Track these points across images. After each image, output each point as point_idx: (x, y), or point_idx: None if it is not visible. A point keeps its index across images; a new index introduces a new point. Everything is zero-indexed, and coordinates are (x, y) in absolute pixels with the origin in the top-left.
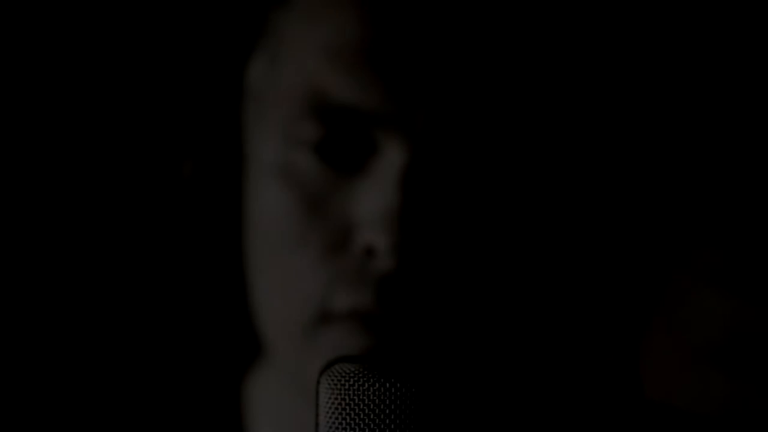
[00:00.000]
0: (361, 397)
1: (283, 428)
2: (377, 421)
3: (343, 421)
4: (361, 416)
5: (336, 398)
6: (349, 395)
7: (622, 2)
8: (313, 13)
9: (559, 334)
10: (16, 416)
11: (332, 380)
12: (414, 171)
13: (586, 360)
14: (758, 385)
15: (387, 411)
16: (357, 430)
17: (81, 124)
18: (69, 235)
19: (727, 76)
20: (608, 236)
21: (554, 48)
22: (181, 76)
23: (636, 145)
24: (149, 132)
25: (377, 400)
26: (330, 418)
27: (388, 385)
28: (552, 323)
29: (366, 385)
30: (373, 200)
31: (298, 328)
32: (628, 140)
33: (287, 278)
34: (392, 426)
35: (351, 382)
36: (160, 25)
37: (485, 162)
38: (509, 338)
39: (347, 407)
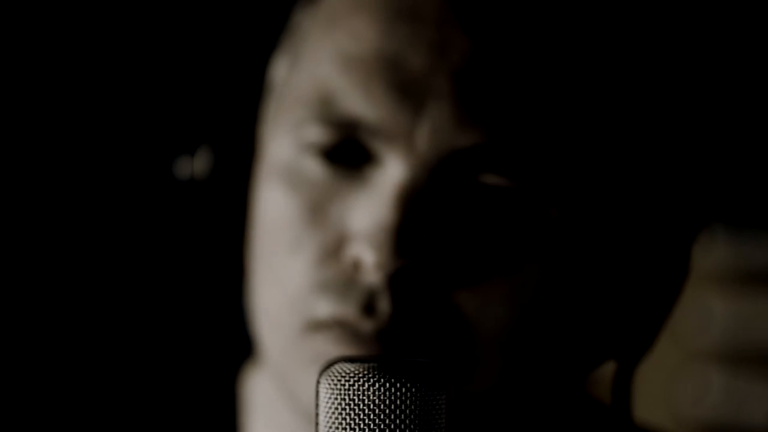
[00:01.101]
0: (360, 397)
1: (274, 429)
2: (377, 421)
3: (343, 421)
4: (361, 416)
5: (336, 398)
6: (348, 395)
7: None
8: (334, 19)
9: (549, 354)
10: (13, 415)
11: (332, 380)
12: (410, 189)
13: (570, 378)
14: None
15: (386, 411)
16: (357, 430)
17: (90, 121)
18: (73, 232)
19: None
20: (610, 256)
21: (563, 69)
22: (204, 72)
23: (643, 151)
24: (162, 128)
25: (377, 401)
26: (330, 418)
27: (387, 385)
28: (544, 346)
29: (366, 385)
30: (366, 213)
31: (287, 331)
32: (634, 151)
33: (280, 281)
34: (392, 426)
35: (351, 382)
36: (184, 19)
37: (484, 185)
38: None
39: (347, 407)
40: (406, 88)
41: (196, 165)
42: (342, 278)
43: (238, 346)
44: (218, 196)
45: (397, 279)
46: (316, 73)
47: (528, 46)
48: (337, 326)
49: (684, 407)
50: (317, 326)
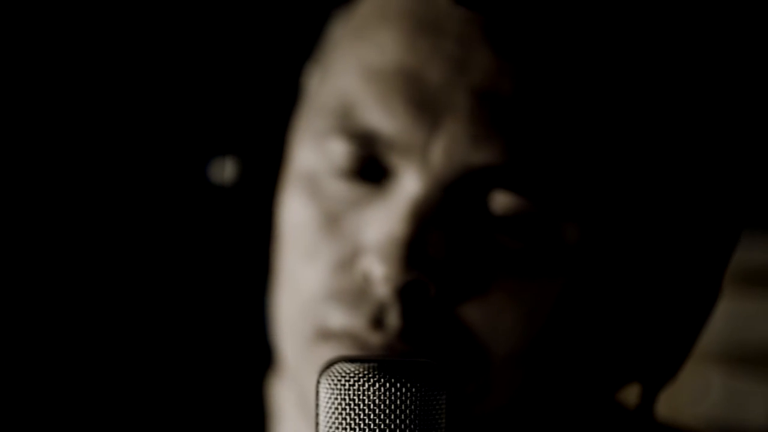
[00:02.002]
0: (360, 397)
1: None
2: (377, 421)
3: (343, 421)
4: (361, 416)
5: (335, 398)
6: (348, 395)
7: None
8: (360, 31)
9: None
10: (29, 418)
11: (332, 380)
12: (423, 204)
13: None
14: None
15: (387, 411)
16: (357, 430)
17: (127, 124)
18: (102, 234)
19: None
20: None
21: (582, 92)
22: (242, 79)
23: (670, 169)
24: (194, 132)
25: (377, 401)
26: (329, 418)
27: (387, 385)
28: (553, 362)
29: (366, 385)
30: (379, 227)
31: (299, 338)
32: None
33: (296, 288)
34: (392, 426)
35: (351, 382)
36: (217, 24)
37: (498, 202)
38: (506, 380)
39: (347, 407)
40: (423, 103)
41: (228, 169)
42: (353, 290)
43: (266, 353)
44: (249, 202)
45: (406, 293)
46: (339, 84)
47: (548, 67)
48: (347, 338)
49: (684, 407)
50: (328, 336)
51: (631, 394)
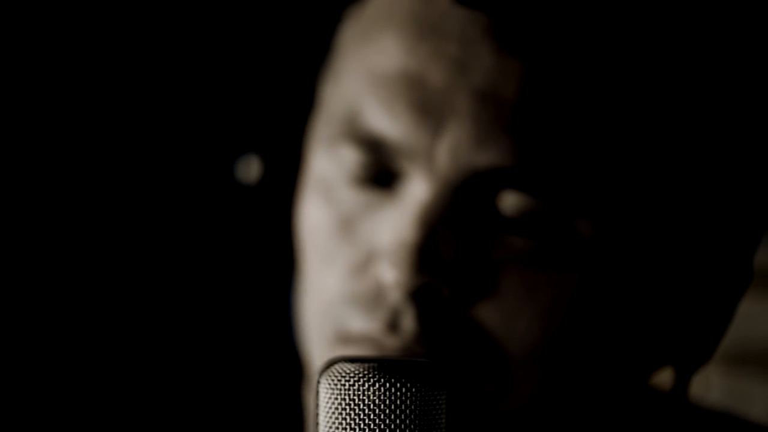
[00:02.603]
0: (360, 397)
1: None
2: (377, 421)
3: (343, 421)
4: (361, 416)
5: (335, 398)
6: (348, 395)
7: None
8: (364, 37)
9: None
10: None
11: (332, 380)
12: (432, 207)
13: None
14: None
15: (387, 411)
16: (357, 430)
17: (156, 126)
18: (131, 238)
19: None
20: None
21: (586, 90)
22: (256, 84)
23: (690, 154)
24: (222, 136)
25: (377, 401)
26: (330, 417)
27: (387, 385)
28: (582, 354)
29: (366, 385)
30: (389, 232)
31: (321, 341)
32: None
33: (316, 291)
34: (392, 426)
35: (351, 383)
36: (241, 30)
37: (507, 202)
38: (534, 376)
39: (347, 407)
40: (427, 106)
41: (253, 169)
42: (370, 294)
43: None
44: (276, 202)
45: (419, 296)
46: (346, 90)
47: (551, 65)
48: (366, 341)
49: None
50: (347, 339)
51: (664, 379)
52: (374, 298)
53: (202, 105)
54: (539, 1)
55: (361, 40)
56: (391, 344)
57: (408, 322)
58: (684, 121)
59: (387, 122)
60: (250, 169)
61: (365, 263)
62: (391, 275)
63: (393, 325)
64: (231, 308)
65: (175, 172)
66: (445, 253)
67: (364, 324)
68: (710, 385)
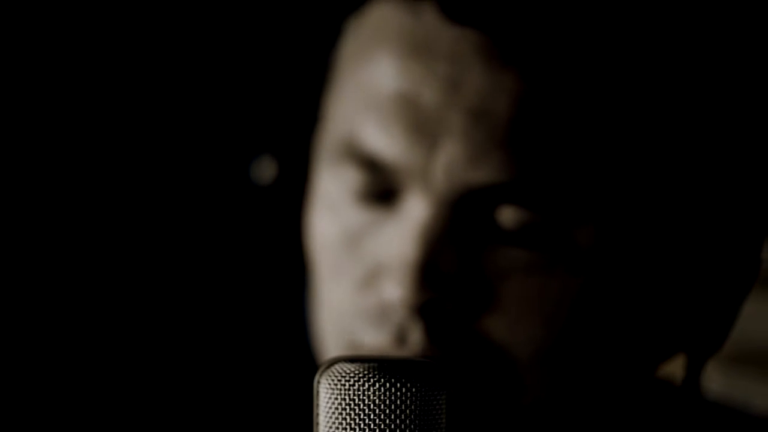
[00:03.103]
0: (360, 397)
1: None
2: (377, 421)
3: (343, 422)
4: (361, 416)
5: (335, 398)
6: (348, 395)
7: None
8: (357, 57)
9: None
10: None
11: (332, 380)
12: (431, 225)
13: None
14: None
15: (387, 411)
16: (357, 430)
17: (176, 130)
18: (150, 240)
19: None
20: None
21: (577, 103)
22: (265, 93)
23: (686, 179)
24: (235, 142)
25: (377, 401)
26: (329, 418)
27: (387, 385)
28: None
29: (366, 385)
30: (392, 249)
31: (334, 351)
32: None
33: (329, 304)
34: (392, 426)
35: (351, 383)
36: (252, 44)
37: (505, 216)
38: (544, 382)
39: (347, 407)
40: (421, 125)
41: (268, 170)
42: (377, 308)
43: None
44: (289, 204)
45: (425, 311)
46: (343, 111)
47: (541, 81)
48: (375, 353)
49: None
50: (359, 350)
51: (675, 372)
52: (381, 313)
53: (215, 107)
54: (528, 17)
55: (357, 59)
56: (401, 354)
57: (415, 336)
58: (682, 121)
59: (383, 142)
60: (265, 171)
61: (372, 278)
62: (395, 293)
63: (401, 338)
64: (247, 310)
65: (194, 176)
66: (447, 268)
67: (372, 337)
68: (710, 385)
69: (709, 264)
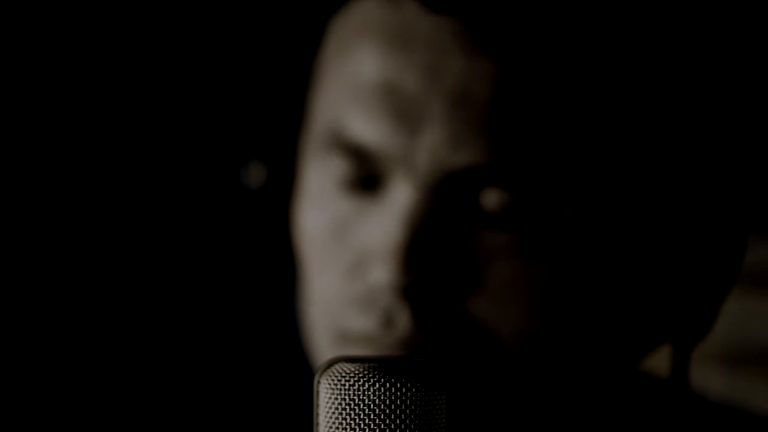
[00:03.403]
0: (360, 397)
1: None
2: (377, 421)
3: (343, 421)
4: (361, 416)
5: (335, 398)
6: (348, 395)
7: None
8: (341, 49)
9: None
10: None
11: (332, 380)
12: (415, 209)
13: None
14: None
15: (387, 411)
16: (357, 430)
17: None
18: (136, 240)
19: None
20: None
21: (555, 84)
22: (250, 95)
23: (664, 161)
24: (222, 144)
25: (377, 400)
26: (329, 418)
27: (388, 385)
28: (576, 337)
29: (366, 385)
30: (378, 234)
31: (322, 342)
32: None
33: (317, 296)
34: (392, 426)
35: (351, 383)
36: (233, 45)
37: (488, 200)
38: (529, 361)
39: (347, 407)
40: (403, 112)
41: (256, 174)
42: (365, 295)
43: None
44: (279, 206)
45: (411, 294)
46: (327, 102)
47: (519, 65)
48: (364, 339)
49: None
50: (347, 338)
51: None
52: (369, 299)
53: (203, 110)
54: (504, 4)
55: (340, 52)
56: (389, 340)
57: (402, 319)
58: (662, 105)
59: (367, 130)
60: (255, 174)
61: (359, 266)
62: (382, 276)
63: (388, 322)
64: (241, 311)
65: (184, 178)
66: (432, 251)
67: (361, 323)
68: (710, 385)
69: (693, 252)
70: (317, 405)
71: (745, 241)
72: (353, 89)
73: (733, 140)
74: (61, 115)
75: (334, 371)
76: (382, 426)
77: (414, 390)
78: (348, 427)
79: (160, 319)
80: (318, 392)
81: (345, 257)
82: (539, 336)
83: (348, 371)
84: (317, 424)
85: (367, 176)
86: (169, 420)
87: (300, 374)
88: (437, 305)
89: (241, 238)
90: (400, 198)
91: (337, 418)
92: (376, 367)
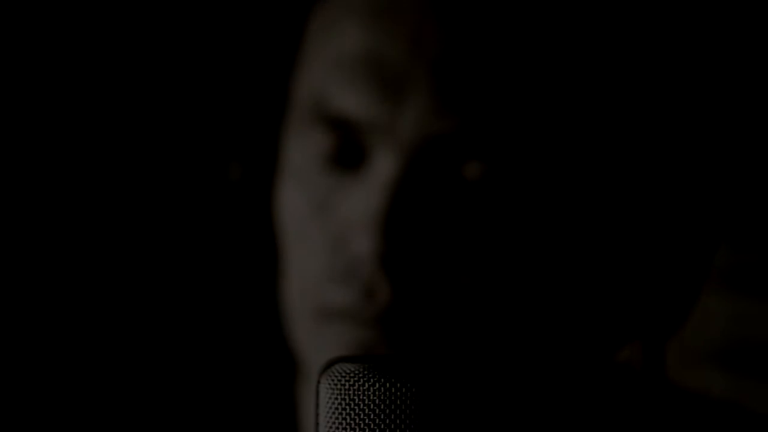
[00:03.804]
0: (361, 397)
1: None
2: (377, 421)
3: (343, 421)
4: (361, 416)
5: (336, 398)
6: (349, 395)
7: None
8: (324, 26)
9: (558, 333)
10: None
11: (332, 380)
12: (397, 177)
13: (589, 359)
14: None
15: (387, 411)
16: (357, 430)
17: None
18: (117, 237)
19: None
20: (605, 237)
21: (536, 54)
22: (232, 87)
23: (641, 148)
24: (201, 136)
25: (377, 400)
26: (330, 418)
27: (388, 385)
28: (550, 323)
29: (366, 385)
30: (360, 205)
31: (304, 321)
32: (631, 146)
33: (296, 274)
34: (392, 426)
35: (351, 382)
36: (212, 37)
37: (473, 172)
38: (506, 338)
39: (347, 407)
40: (387, 82)
41: (234, 169)
42: (346, 268)
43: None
44: (253, 202)
45: (392, 263)
46: (311, 77)
47: (500, 34)
48: (345, 314)
49: None
50: (328, 314)
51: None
52: (350, 271)
53: (182, 104)
54: None
55: (324, 29)
56: (368, 312)
57: (383, 289)
58: (639, 90)
59: (350, 102)
60: (233, 167)
61: (340, 240)
62: (364, 245)
63: (369, 293)
64: (220, 306)
65: (161, 170)
66: (413, 221)
67: (341, 297)
68: (710, 386)
69: (668, 246)
70: (317, 405)
71: (718, 241)
72: (336, 61)
73: (716, 137)
74: (48, 113)
75: (334, 371)
76: (383, 426)
77: (414, 390)
78: (348, 427)
79: (134, 313)
80: (318, 392)
81: (326, 233)
82: (517, 308)
83: (348, 371)
84: (317, 424)
85: (349, 150)
86: (142, 416)
87: (282, 368)
88: (418, 275)
89: (223, 230)
90: (382, 168)
91: (337, 418)
92: (376, 366)
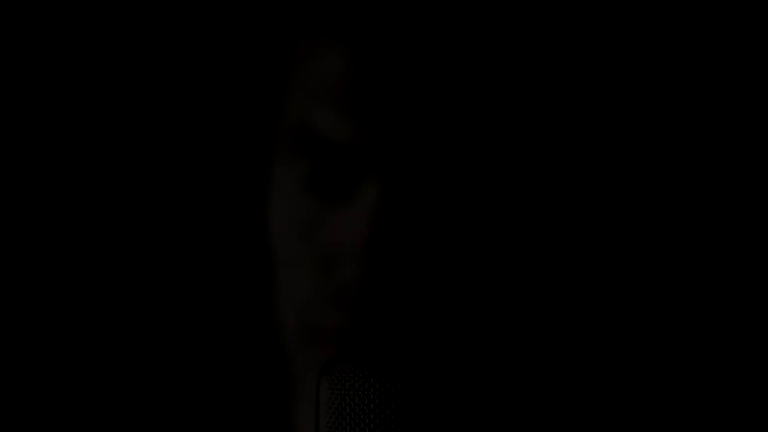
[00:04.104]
0: (361, 397)
1: None
2: (377, 421)
3: (343, 421)
4: (361, 416)
5: (336, 398)
6: (349, 395)
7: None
8: (307, 52)
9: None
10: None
11: (332, 380)
12: (388, 207)
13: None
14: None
15: (387, 411)
16: (357, 429)
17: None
18: (112, 240)
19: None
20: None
21: (524, 88)
22: (233, 110)
23: (629, 152)
24: (195, 145)
25: (377, 400)
26: (330, 418)
27: (388, 385)
28: (547, 328)
29: (366, 385)
30: (348, 233)
31: (295, 340)
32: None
33: (287, 296)
34: (392, 426)
35: (351, 382)
36: (211, 57)
37: (461, 197)
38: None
39: (347, 407)
40: (375, 112)
41: (230, 173)
42: (338, 293)
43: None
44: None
45: (383, 292)
46: (295, 104)
47: (490, 70)
48: (337, 338)
49: None
50: (317, 337)
51: None
52: (341, 297)
53: (180, 109)
54: None
55: (303, 59)
56: (360, 338)
57: (374, 317)
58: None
59: (337, 129)
60: (229, 172)
61: (328, 264)
62: (353, 271)
63: (360, 320)
64: (215, 310)
65: (161, 170)
66: (402, 245)
67: (334, 321)
68: None
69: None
70: (317, 405)
71: None
72: (319, 90)
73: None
74: (48, 113)
75: (335, 371)
76: (382, 426)
77: (414, 389)
78: (348, 427)
79: (141, 315)
80: (318, 392)
81: (313, 257)
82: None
83: (348, 371)
84: (317, 424)
85: (335, 174)
86: (137, 417)
87: (275, 376)
88: (409, 303)
89: (218, 237)
90: (372, 196)
91: (337, 418)
92: (376, 366)
